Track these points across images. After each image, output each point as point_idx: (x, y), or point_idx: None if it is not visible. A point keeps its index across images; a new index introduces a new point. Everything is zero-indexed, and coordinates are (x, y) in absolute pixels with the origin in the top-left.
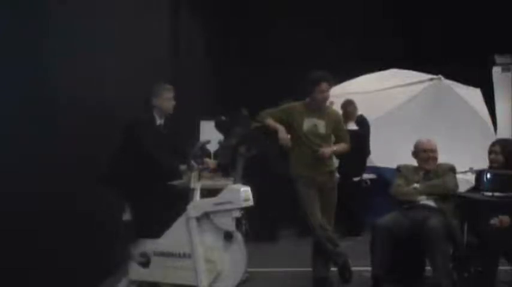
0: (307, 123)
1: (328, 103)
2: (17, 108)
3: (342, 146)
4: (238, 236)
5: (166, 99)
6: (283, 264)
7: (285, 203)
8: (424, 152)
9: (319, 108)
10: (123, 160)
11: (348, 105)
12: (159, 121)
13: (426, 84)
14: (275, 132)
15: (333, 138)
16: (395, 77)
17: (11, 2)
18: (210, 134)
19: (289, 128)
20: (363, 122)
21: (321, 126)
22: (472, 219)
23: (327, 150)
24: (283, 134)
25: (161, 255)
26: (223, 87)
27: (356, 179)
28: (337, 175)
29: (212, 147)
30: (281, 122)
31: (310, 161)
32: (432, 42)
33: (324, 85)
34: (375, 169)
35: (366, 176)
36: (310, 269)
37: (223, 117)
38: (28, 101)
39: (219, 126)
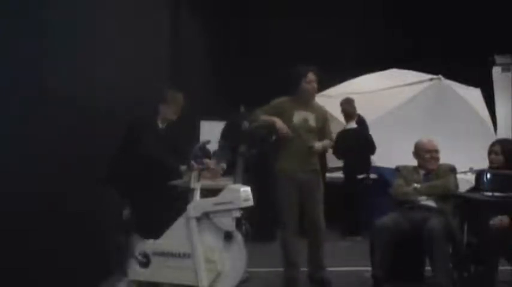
0: (297, 117)
1: None
2: (17, 108)
3: (327, 143)
4: (238, 236)
5: (173, 112)
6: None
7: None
8: (427, 153)
9: (308, 102)
10: (124, 160)
11: (346, 105)
12: (161, 125)
13: (426, 84)
14: (273, 125)
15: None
16: (396, 77)
17: (11, 1)
18: (210, 134)
19: None
20: (360, 122)
21: (311, 119)
22: (472, 219)
23: (319, 145)
24: (281, 124)
25: (161, 255)
26: (223, 87)
27: (360, 176)
28: (341, 174)
29: (212, 147)
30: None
31: (298, 156)
32: (432, 42)
33: (310, 75)
34: (375, 169)
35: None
36: None
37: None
38: (28, 101)
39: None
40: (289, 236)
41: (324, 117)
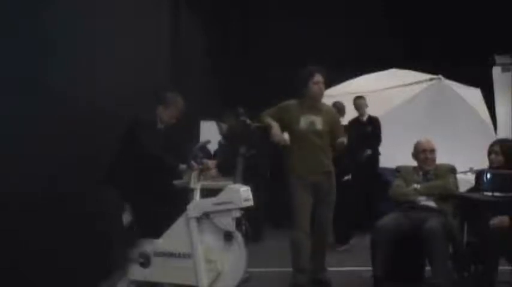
0: (304, 121)
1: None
2: (17, 108)
3: (344, 140)
4: (238, 236)
5: (171, 116)
6: (283, 264)
7: (286, 202)
8: (422, 153)
9: (316, 105)
10: (123, 159)
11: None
12: (159, 126)
13: (426, 84)
14: (270, 129)
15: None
16: (396, 77)
17: (11, 2)
18: (210, 134)
19: (286, 126)
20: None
21: (318, 123)
22: (472, 219)
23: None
24: (276, 130)
25: (161, 255)
26: (223, 87)
27: None
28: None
29: (212, 147)
30: (278, 120)
31: (307, 159)
32: (432, 42)
33: (317, 76)
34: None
35: None
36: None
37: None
38: (28, 101)
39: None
40: (301, 238)
41: (332, 119)
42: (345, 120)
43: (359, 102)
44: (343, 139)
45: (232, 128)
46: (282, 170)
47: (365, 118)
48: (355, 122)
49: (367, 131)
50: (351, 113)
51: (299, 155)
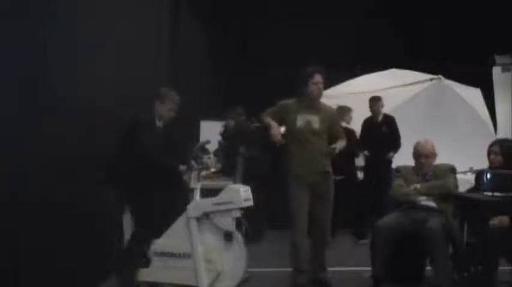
0: (300, 120)
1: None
2: (16, 108)
3: (341, 144)
4: (238, 236)
5: (168, 110)
6: (283, 264)
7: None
8: (418, 158)
9: (314, 104)
10: (124, 160)
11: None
12: (158, 124)
13: (426, 84)
14: (269, 128)
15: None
16: (396, 77)
17: (11, 2)
18: (210, 134)
19: (284, 125)
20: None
21: (315, 122)
22: (472, 219)
23: (340, 145)
24: (274, 130)
25: (161, 255)
26: (223, 87)
27: None
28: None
29: (212, 147)
30: (277, 119)
31: (305, 159)
32: (432, 42)
33: (317, 77)
34: None
35: None
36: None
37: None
38: (28, 101)
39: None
40: (300, 238)
41: (330, 118)
42: (352, 123)
43: (375, 105)
44: (336, 146)
45: (235, 127)
46: (282, 170)
47: (380, 118)
48: (369, 121)
49: (382, 131)
50: (354, 114)
51: (297, 155)
